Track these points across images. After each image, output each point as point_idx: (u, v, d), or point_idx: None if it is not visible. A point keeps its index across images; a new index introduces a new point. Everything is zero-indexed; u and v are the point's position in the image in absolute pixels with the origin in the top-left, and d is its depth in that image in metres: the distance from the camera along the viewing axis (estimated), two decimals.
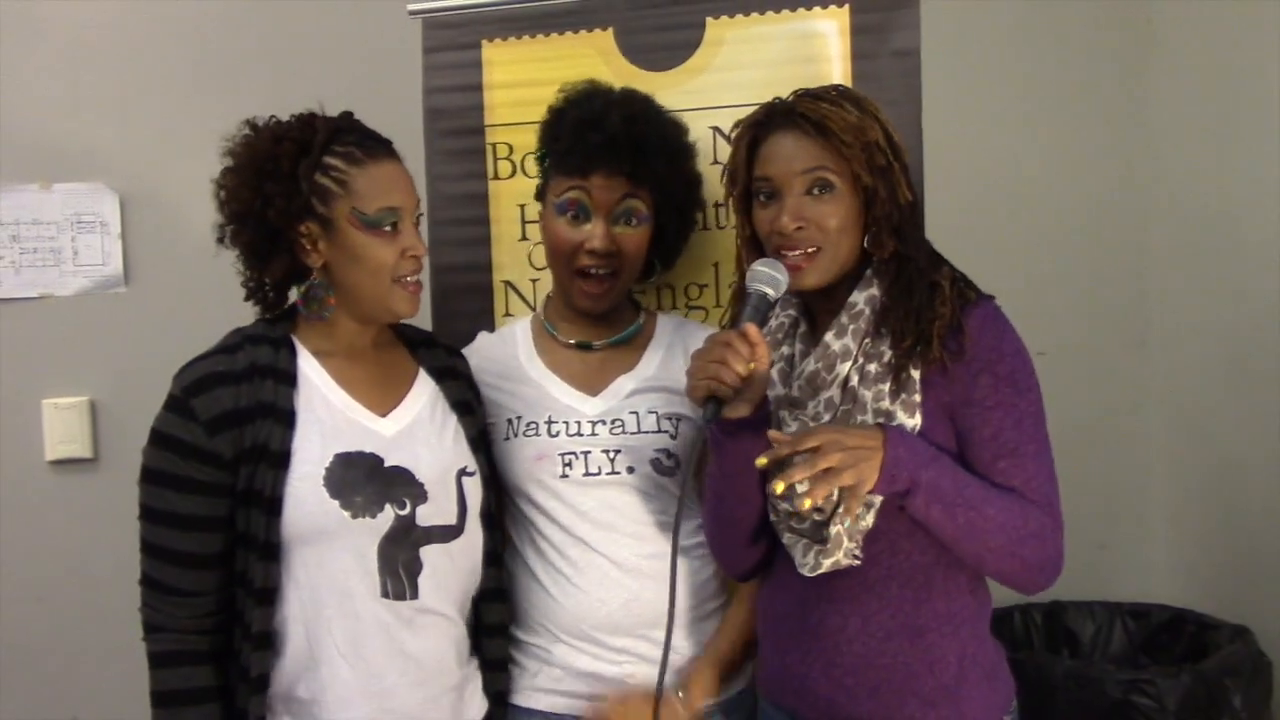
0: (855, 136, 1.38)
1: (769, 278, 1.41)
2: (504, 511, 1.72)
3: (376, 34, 2.30)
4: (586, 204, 1.63)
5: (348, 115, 1.51)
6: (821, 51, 1.85)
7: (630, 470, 1.61)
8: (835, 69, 1.84)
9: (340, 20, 2.44)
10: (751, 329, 1.38)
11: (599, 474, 1.62)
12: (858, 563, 1.40)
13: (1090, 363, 2.53)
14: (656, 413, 1.64)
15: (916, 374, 1.36)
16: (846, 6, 1.83)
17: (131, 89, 2.44)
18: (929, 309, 1.36)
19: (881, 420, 1.36)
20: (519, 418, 1.66)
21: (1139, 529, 2.57)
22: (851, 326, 1.41)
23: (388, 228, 1.45)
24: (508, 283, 1.96)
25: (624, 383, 1.68)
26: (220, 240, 1.49)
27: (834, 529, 1.39)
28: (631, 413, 1.64)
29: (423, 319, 1.89)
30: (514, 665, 1.67)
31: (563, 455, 1.62)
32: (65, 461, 2.45)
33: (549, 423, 1.64)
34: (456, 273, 1.96)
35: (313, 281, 1.48)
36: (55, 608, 2.45)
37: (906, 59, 1.81)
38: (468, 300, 1.96)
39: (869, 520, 1.38)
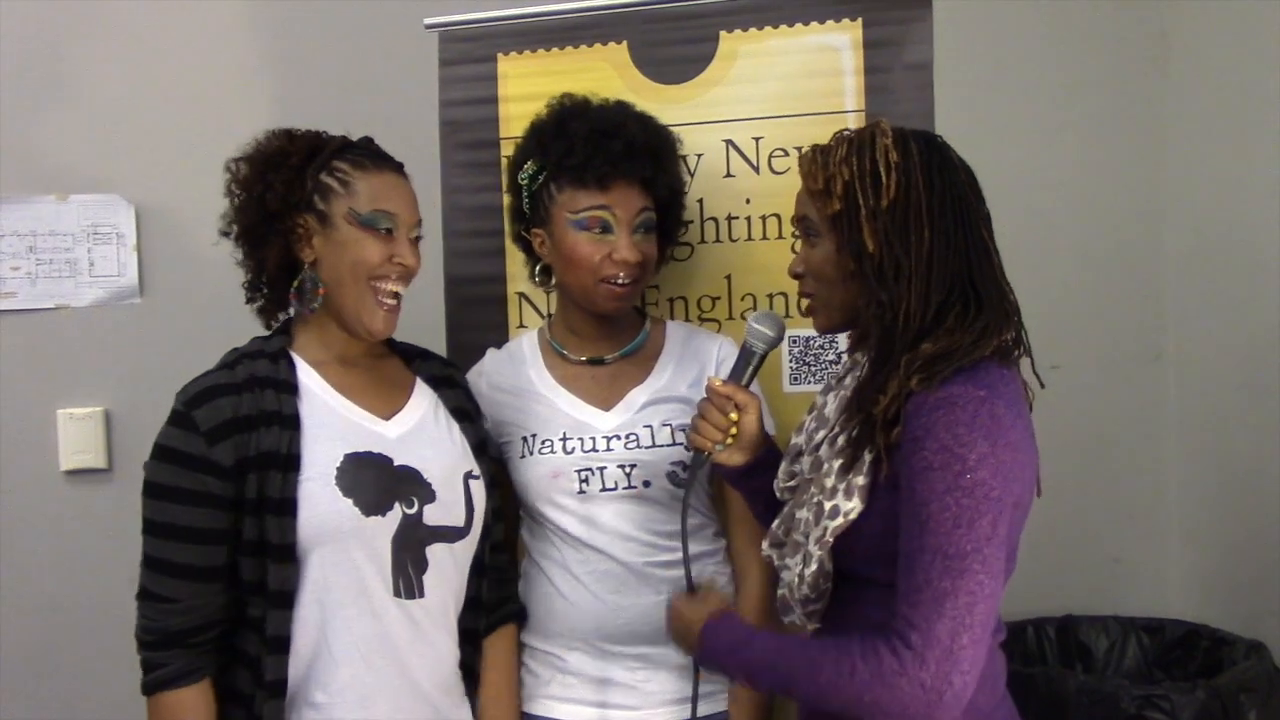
0: (808, 184, 1.34)
1: (757, 333, 1.48)
2: (520, 523, 1.73)
3: (393, 47, 2.32)
4: (610, 220, 1.61)
5: (367, 139, 1.56)
6: (835, 65, 1.86)
7: (646, 484, 1.62)
8: (848, 83, 1.85)
9: (357, 33, 2.45)
10: (718, 386, 1.47)
11: (615, 489, 1.62)
12: (812, 628, 1.38)
13: (1106, 376, 2.52)
14: (670, 425, 1.64)
15: (869, 456, 1.26)
16: (859, 20, 1.84)
17: (148, 101, 2.45)
18: (880, 392, 1.26)
19: (821, 498, 1.30)
20: (533, 435, 1.66)
21: (1153, 543, 2.56)
22: (844, 393, 1.36)
23: (381, 230, 1.48)
24: (521, 294, 1.97)
25: (637, 395, 1.68)
26: (224, 233, 1.53)
27: (780, 591, 1.39)
28: (645, 426, 1.64)
29: (436, 329, 1.95)
30: (527, 673, 1.67)
31: (579, 471, 1.62)
32: (80, 472, 2.45)
33: (564, 439, 1.64)
34: (471, 284, 1.97)
35: (304, 274, 1.50)
36: (70, 617, 2.45)
37: (919, 72, 1.81)
38: (482, 311, 1.97)
39: (804, 591, 1.34)
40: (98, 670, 2.44)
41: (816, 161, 1.33)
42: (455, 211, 1.98)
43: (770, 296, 1.86)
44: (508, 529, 1.70)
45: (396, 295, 1.51)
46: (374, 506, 1.44)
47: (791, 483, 1.41)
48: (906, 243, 1.27)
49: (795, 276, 1.40)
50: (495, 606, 1.63)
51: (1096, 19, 2.51)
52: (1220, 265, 2.39)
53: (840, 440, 1.30)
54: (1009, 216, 2.43)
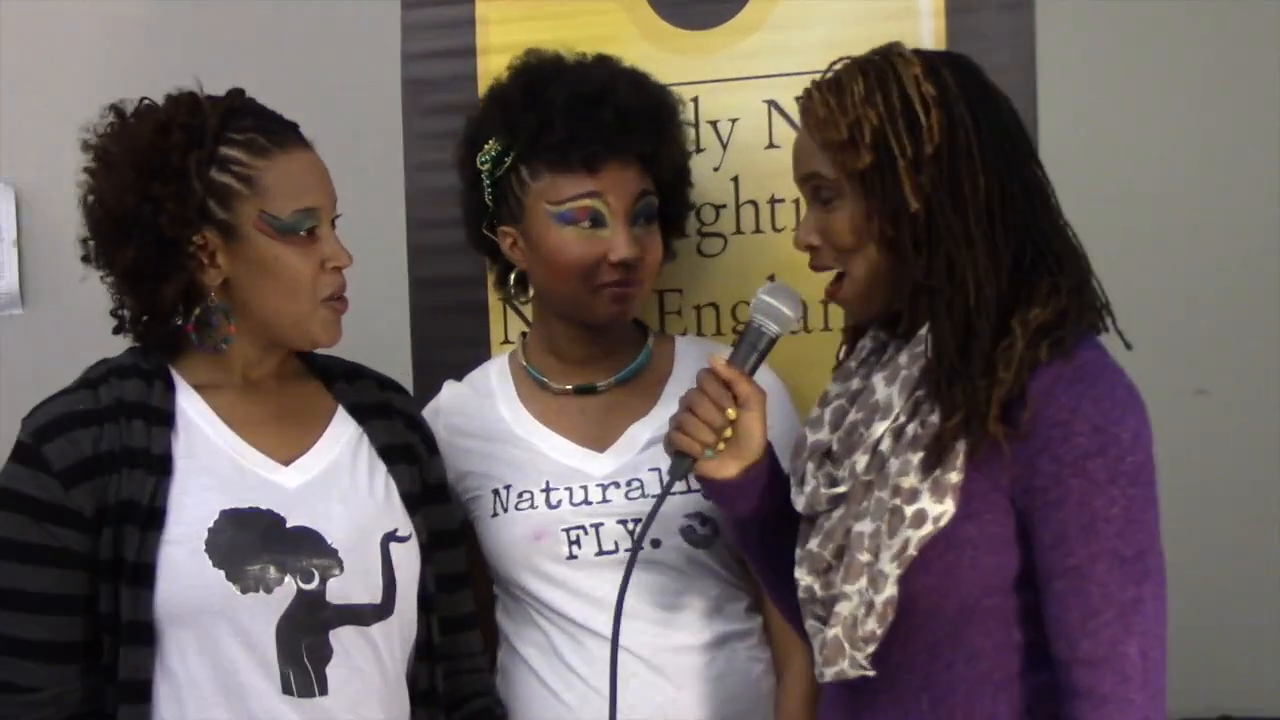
0: (826, 135, 1.21)
1: (770, 309, 1.28)
2: (495, 601, 1.59)
3: None
4: (602, 210, 1.46)
5: (239, 93, 1.39)
6: (905, 4, 1.64)
7: (655, 544, 1.46)
8: (924, 25, 1.63)
9: None
10: (721, 367, 1.27)
11: (615, 551, 1.48)
12: (869, 674, 1.20)
13: (1261, 403, 2.18)
14: None
15: (963, 446, 1.16)
16: None
17: (35, 62, 2.16)
18: (986, 372, 1.15)
19: (898, 502, 1.17)
20: (508, 487, 1.52)
21: None
22: (904, 372, 1.22)
23: (304, 233, 1.35)
24: (506, 300, 1.73)
25: (639, 432, 1.53)
26: (86, 259, 1.37)
27: (831, 631, 1.22)
28: (651, 470, 1.49)
29: (400, 345, 1.81)
30: None
31: (567, 531, 1.49)
32: None
33: (547, 490, 1.50)
34: (442, 288, 1.81)
35: (209, 304, 1.35)
36: None
37: (1016, 11, 1.62)
38: (456, 323, 1.81)
39: (871, 625, 1.20)
40: None
41: (829, 104, 1.21)
42: (422, 196, 1.80)
43: (824, 303, 1.60)
44: (478, 601, 1.54)
45: (343, 296, 1.39)
46: (255, 581, 1.30)
47: (837, 489, 1.25)
48: (960, 197, 1.17)
49: (807, 248, 1.27)
50: (460, 702, 1.48)
51: None
52: None
53: (913, 429, 1.18)
54: (1132, 205, 2.05)
